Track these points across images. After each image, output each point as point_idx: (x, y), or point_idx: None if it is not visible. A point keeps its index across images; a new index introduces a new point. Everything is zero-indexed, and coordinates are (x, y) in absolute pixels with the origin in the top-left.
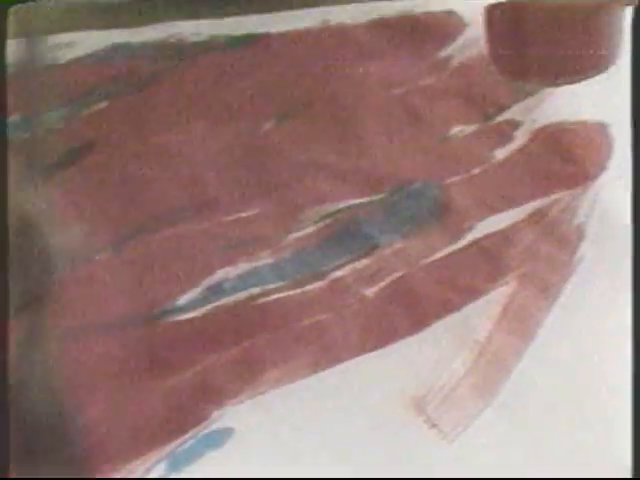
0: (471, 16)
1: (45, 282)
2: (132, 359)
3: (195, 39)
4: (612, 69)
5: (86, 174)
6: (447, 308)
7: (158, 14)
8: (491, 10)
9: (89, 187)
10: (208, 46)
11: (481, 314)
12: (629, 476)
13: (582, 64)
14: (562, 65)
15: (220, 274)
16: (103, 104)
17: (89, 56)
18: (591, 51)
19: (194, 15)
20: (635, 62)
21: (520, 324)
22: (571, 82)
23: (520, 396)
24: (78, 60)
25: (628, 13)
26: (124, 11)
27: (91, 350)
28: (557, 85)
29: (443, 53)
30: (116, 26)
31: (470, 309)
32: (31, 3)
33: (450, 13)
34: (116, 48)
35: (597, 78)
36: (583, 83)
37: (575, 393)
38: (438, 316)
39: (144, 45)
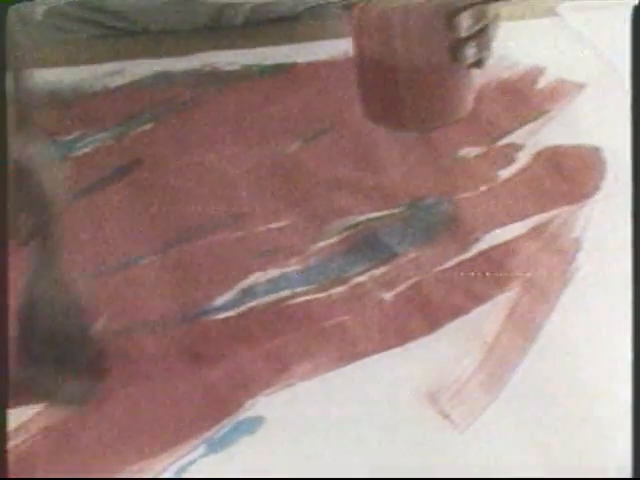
0: None
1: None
2: (174, 354)
3: (229, 68)
4: (607, 96)
5: (134, 187)
6: (458, 311)
7: (196, 45)
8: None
9: (137, 199)
10: (241, 74)
11: (488, 317)
12: (629, 476)
13: (438, 114)
14: (422, 116)
15: (253, 278)
16: (149, 125)
17: (135, 83)
18: (444, 104)
19: (228, 46)
20: (635, 62)
21: (524, 326)
22: (429, 131)
23: (524, 391)
24: (126, 86)
25: (628, 13)
26: (166, 42)
27: (138, 346)
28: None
29: None
30: (159, 56)
31: (478, 312)
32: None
33: None
34: (159, 76)
35: (592, 105)
36: (580, 111)
37: (574, 389)
38: (450, 318)
39: (184, 73)
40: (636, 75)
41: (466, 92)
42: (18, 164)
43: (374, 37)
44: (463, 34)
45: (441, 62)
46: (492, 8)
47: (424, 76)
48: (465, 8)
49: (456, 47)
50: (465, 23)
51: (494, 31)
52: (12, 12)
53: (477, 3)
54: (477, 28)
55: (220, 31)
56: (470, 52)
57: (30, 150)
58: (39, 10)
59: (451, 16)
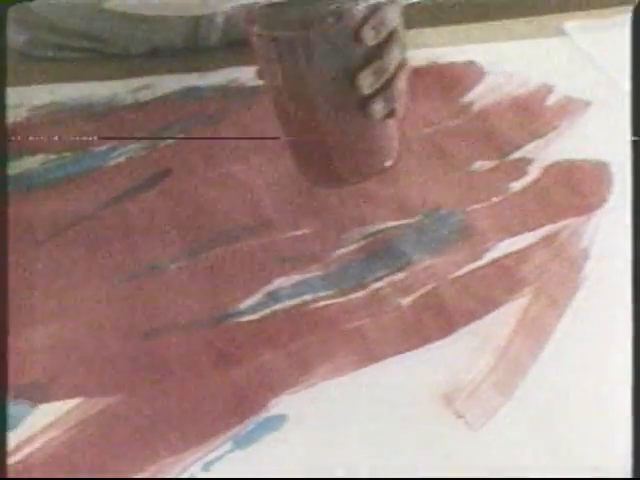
0: (490, 65)
1: None
2: (202, 354)
3: (252, 84)
4: (612, 113)
5: (164, 196)
6: (472, 316)
7: (222, 62)
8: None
9: (166, 207)
10: (264, 90)
11: (501, 322)
12: (629, 476)
13: (363, 167)
14: (344, 171)
15: (276, 283)
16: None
17: (165, 97)
18: (367, 156)
19: (251, 63)
20: (635, 63)
21: (534, 331)
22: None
23: (535, 393)
24: (156, 100)
25: (628, 13)
26: (194, 59)
27: (168, 346)
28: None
29: (466, 99)
30: (187, 71)
31: (491, 318)
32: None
33: (471, 63)
34: (188, 90)
35: (598, 122)
36: (586, 127)
37: (582, 391)
38: (464, 323)
39: (211, 88)
40: (636, 76)
41: (387, 141)
42: None
43: (279, 94)
44: (366, 92)
45: (352, 119)
46: (394, 60)
47: (336, 134)
48: (362, 68)
49: (364, 105)
50: (367, 81)
51: (400, 82)
52: None
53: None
54: (380, 84)
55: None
56: (379, 107)
57: None
58: (22, 38)
59: (354, 75)
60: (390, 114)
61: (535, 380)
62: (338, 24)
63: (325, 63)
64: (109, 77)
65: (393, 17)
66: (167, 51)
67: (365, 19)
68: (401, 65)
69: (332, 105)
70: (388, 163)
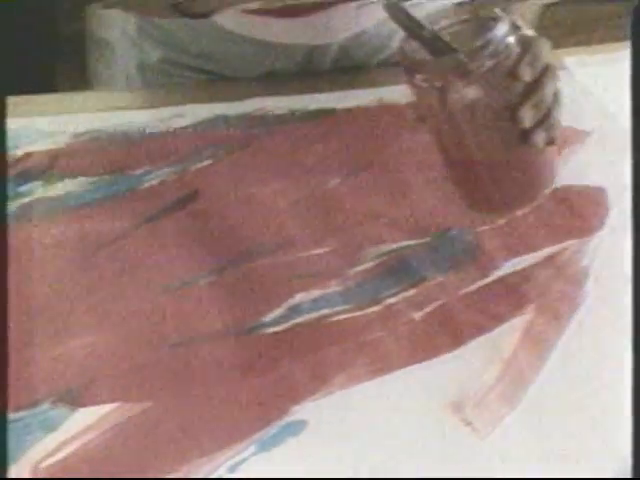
0: None
1: None
2: (228, 363)
3: (277, 112)
4: (610, 143)
5: (194, 216)
6: (479, 330)
7: (248, 91)
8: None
9: (196, 226)
10: (287, 118)
11: (507, 336)
12: (629, 476)
13: (526, 194)
14: (506, 201)
15: (298, 298)
16: (206, 162)
17: (195, 124)
18: (528, 184)
19: (276, 93)
20: (635, 63)
21: (538, 345)
22: (516, 211)
23: (539, 403)
24: (187, 127)
25: (627, 68)
26: (221, 89)
27: (197, 356)
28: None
29: None
30: (216, 101)
31: (498, 332)
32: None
33: None
34: (216, 118)
35: (597, 151)
36: (586, 155)
37: (583, 401)
38: (472, 337)
39: (238, 116)
40: (636, 76)
41: (547, 168)
42: None
43: (444, 135)
44: (528, 125)
45: (514, 150)
46: (550, 92)
47: (501, 165)
48: (522, 102)
49: (525, 136)
50: (528, 114)
51: (558, 111)
52: None
53: (533, 95)
54: (541, 115)
55: (273, 78)
56: (540, 137)
57: None
58: (155, 55)
59: (514, 109)
60: (550, 142)
61: (539, 391)
62: (496, 64)
63: (486, 101)
64: (143, 107)
65: (546, 50)
66: (280, 75)
67: (520, 56)
68: (556, 94)
69: (495, 138)
70: (547, 190)
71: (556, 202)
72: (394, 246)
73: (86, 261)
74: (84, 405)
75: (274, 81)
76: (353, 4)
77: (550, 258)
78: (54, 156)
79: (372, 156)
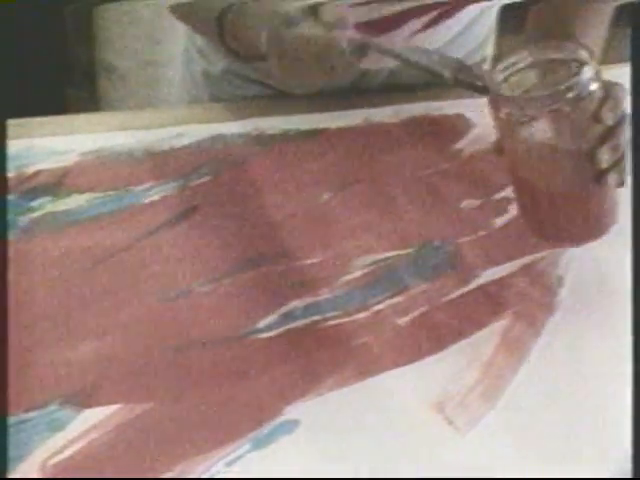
0: (477, 119)
1: None
2: (226, 366)
3: (272, 132)
4: None
5: (193, 229)
6: (460, 335)
7: (245, 112)
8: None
9: (195, 239)
10: (282, 137)
11: (486, 340)
12: (629, 476)
13: (590, 232)
14: (578, 232)
15: (291, 305)
16: (206, 178)
17: (195, 144)
18: (596, 218)
19: (271, 113)
20: (635, 63)
21: (515, 349)
22: (584, 243)
23: (516, 402)
24: (187, 146)
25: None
26: (220, 110)
27: (196, 359)
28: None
29: (457, 146)
30: (214, 121)
31: (477, 337)
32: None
33: (460, 116)
34: (215, 138)
35: None
36: None
37: (558, 400)
38: (454, 341)
39: (235, 136)
40: (636, 76)
41: (612, 205)
42: None
43: (520, 168)
44: (604, 166)
45: (588, 188)
46: (625, 137)
47: (575, 200)
48: (600, 144)
49: (600, 176)
50: (605, 156)
51: (628, 156)
52: None
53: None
54: (617, 158)
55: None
56: (613, 179)
57: None
58: (220, 66)
59: (593, 150)
60: (620, 185)
61: (516, 391)
62: (579, 106)
63: (566, 140)
64: (148, 127)
65: (624, 97)
66: (329, 95)
67: (603, 101)
68: (628, 140)
69: (571, 175)
70: (612, 226)
71: None
72: (381, 256)
73: (92, 271)
74: (89, 406)
75: (268, 102)
76: (406, 32)
77: (526, 268)
78: (63, 173)
79: (360, 173)
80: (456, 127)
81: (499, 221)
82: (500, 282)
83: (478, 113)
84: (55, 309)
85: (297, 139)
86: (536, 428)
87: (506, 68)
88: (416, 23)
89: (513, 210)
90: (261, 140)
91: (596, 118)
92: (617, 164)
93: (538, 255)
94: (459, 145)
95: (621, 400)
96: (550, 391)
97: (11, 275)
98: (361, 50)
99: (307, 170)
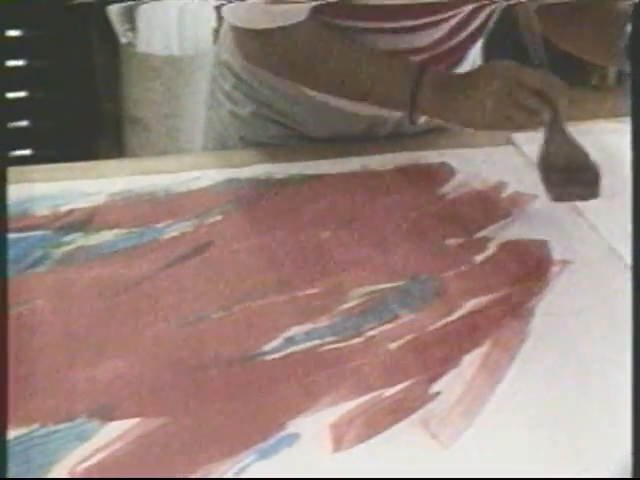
0: (459, 166)
1: None
2: (234, 385)
3: (279, 176)
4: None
5: (207, 262)
6: (445, 360)
7: (255, 159)
8: None
9: (209, 270)
10: (288, 181)
11: (467, 364)
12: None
13: None
14: None
15: (293, 330)
16: (219, 217)
17: (210, 186)
18: None
19: (278, 160)
20: (635, 63)
21: (492, 372)
22: None
23: (493, 419)
24: (203, 189)
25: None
26: (232, 157)
27: (208, 378)
28: None
29: (441, 190)
30: (227, 167)
31: (460, 361)
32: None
33: (444, 164)
34: (227, 182)
35: (543, 211)
36: (533, 214)
37: (529, 418)
38: (439, 365)
39: (246, 179)
40: (636, 77)
41: None
42: None
43: None
44: None
45: None
46: None
47: None
48: None
49: None
50: None
51: None
52: None
53: None
54: None
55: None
56: None
57: None
58: (248, 109)
59: None
60: None
61: (493, 409)
62: None
63: None
64: (166, 171)
65: None
66: (345, 138)
67: None
68: None
69: None
70: None
71: (508, 253)
72: (374, 288)
73: (117, 298)
74: (113, 419)
75: (276, 150)
76: None
77: (502, 299)
78: (93, 212)
79: (356, 213)
80: (441, 174)
81: (479, 258)
82: (480, 312)
83: (460, 162)
84: (84, 332)
85: (301, 183)
86: (511, 442)
87: None
88: None
89: (492, 248)
90: (269, 183)
91: None
92: None
93: (513, 288)
94: (443, 190)
95: (593, 418)
96: (523, 408)
97: (45, 301)
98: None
99: (309, 210)
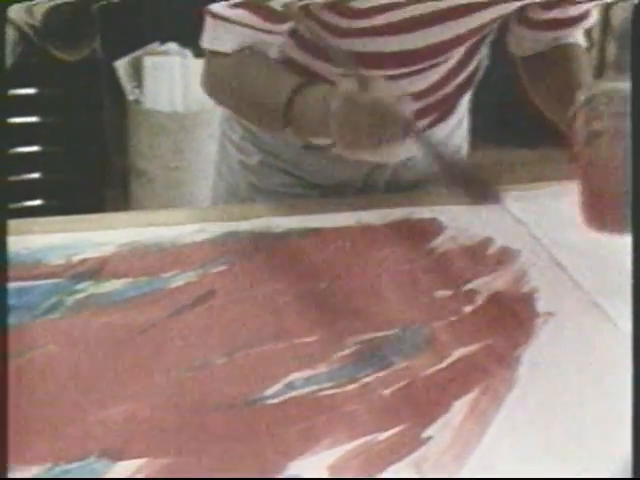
0: (448, 222)
1: None
2: (237, 428)
3: (278, 230)
4: (537, 258)
5: (210, 310)
6: (436, 405)
7: (255, 213)
8: None
9: (213, 318)
10: (285, 235)
11: (457, 410)
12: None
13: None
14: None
15: (293, 376)
16: (222, 268)
17: (213, 238)
18: None
19: (277, 214)
20: (635, 63)
21: (480, 417)
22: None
23: (480, 463)
24: (207, 240)
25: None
26: (234, 211)
27: (212, 421)
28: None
29: (431, 245)
30: (229, 220)
31: (450, 407)
32: None
33: (434, 220)
34: (229, 234)
35: (526, 265)
36: (517, 267)
37: (514, 460)
38: (430, 411)
39: (247, 232)
40: (636, 77)
41: None
42: None
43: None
44: None
45: None
46: None
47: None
48: None
49: None
50: None
51: None
52: None
53: None
54: None
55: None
56: None
57: None
58: (256, 158)
59: None
60: None
61: (481, 453)
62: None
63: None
64: (173, 223)
65: None
66: (346, 187)
67: None
68: None
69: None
70: None
71: (495, 304)
72: (369, 336)
73: (126, 344)
74: (122, 459)
75: (275, 205)
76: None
77: (489, 347)
78: (103, 262)
79: (352, 265)
80: (431, 229)
81: (467, 309)
82: (469, 360)
83: (450, 218)
84: (95, 376)
85: (299, 236)
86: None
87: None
88: (424, 122)
89: (479, 300)
90: (269, 236)
91: None
92: None
93: (499, 337)
94: (433, 244)
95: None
96: (508, 452)
97: (58, 346)
98: (406, 129)
99: (307, 262)
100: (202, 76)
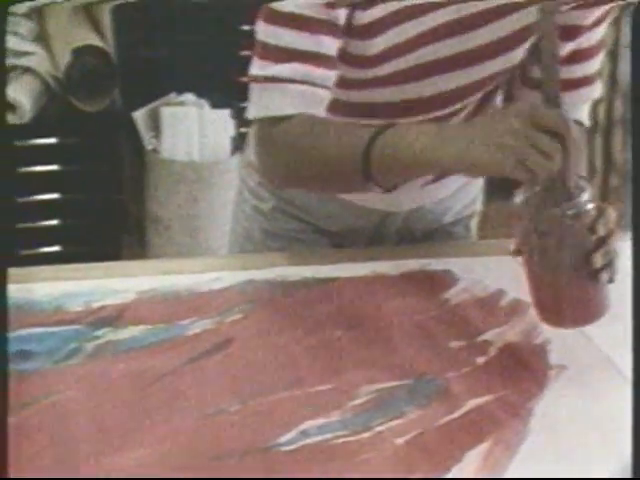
0: (461, 274)
1: None
2: (252, 476)
3: (293, 279)
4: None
5: (227, 358)
6: (449, 455)
7: (271, 262)
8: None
9: (229, 366)
10: (302, 284)
11: (470, 461)
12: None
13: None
14: (576, 317)
15: (307, 424)
16: (238, 316)
17: (230, 287)
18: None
19: (293, 264)
20: (635, 63)
21: (493, 468)
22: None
23: None
24: (224, 289)
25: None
26: (250, 260)
27: (227, 469)
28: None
29: (445, 296)
30: (245, 269)
31: (463, 456)
32: None
33: (448, 271)
34: (245, 282)
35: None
36: (532, 320)
37: None
38: (444, 461)
39: (263, 281)
40: (636, 77)
41: (604, 296)
42: None
43: (534, 264)
44: (598, 266)
45: (585, 282)
46: (615, 245)
47: (573, 291)
48: (595, 250)
49: (594, 274)
50: (599, 260)
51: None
52: None
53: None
54: (607, 260)
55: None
56: (605, 276)
57: None
58: (269, 204)
59: (588, 254)
60: (611, 281)
61: None
62: (578, 222)
63: (568, 247)
64: (190, 272)
65: (614, 216)
66: (358, 234)
67: (597, 218)
68: (618, 248)
69: (571, 273)
70: (605, 312)
71: (508, 356)
72: (382, 386)
73: (143, 390)
74: None
75: (290, 255)
76: (419, 182)
77: (502, 399)
78: (122, 309)
79: (366, 315)
80: (445, 280)
81: (480, 360)
82: (481, 411)
83: (463, 270)
84: (112, 421)
85: (314, 285)
86: None
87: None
88: (427, 176)
89: (492, 351)
90: (284, 285)
91: (592, 230)
92: (608, 265)
93: (512, 389)
94: (447, 295)
95: None
96: None
97: (77, 391)
98: None
99: (322, 311)
100: (259, 154)
